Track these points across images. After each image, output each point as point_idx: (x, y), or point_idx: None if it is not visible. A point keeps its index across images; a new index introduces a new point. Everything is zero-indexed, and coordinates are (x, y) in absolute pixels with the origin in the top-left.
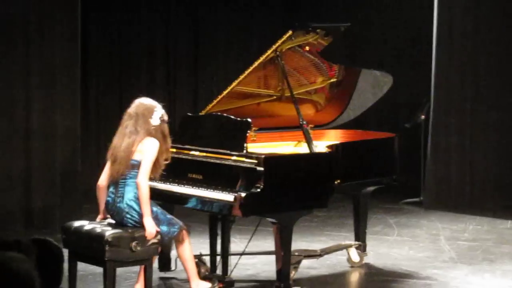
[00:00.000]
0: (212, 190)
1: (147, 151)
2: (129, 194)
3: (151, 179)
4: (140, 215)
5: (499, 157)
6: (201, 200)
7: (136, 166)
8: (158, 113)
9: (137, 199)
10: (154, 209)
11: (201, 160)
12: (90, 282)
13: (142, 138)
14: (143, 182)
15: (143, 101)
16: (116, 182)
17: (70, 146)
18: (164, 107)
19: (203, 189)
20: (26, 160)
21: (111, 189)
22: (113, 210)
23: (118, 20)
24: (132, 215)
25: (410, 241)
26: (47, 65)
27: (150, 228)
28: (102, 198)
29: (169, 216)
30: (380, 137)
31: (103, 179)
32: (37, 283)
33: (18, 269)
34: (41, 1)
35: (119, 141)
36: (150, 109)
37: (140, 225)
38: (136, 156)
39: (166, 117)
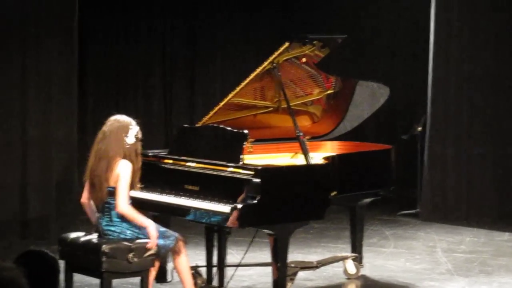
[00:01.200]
0: (208, 202)
1: (121, 177)
2: (115, 217)
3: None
4: (134, 230)
5: (496, 169)
6: (198, 211)
7: (114, 193)
8: (133, 131)
9: (125, 221)
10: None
11: (198, 172)
12: None
13: (115, 162)
14: (125, 208)
15: (118, 119)
16: (100, 208)
17: (66, 156)
18: (138, 123)
19: (199, 200)
20: (22, 170)
21: (98, 215)
22: (106, 234)
23: (115, 30)
24: (126, 235)
25: (406, 253)
26: (44, 74)
27: (153, 232)
28: (90, 211)
29: (162, 229)
30: (377, 149)
31: (85, 197)
32: None
33: (4, 278)
34: (37, 11)
35: (95, 163)
36: (126, 127)
37: (137, 238)
38: (111, 183)
39: (140, 135)
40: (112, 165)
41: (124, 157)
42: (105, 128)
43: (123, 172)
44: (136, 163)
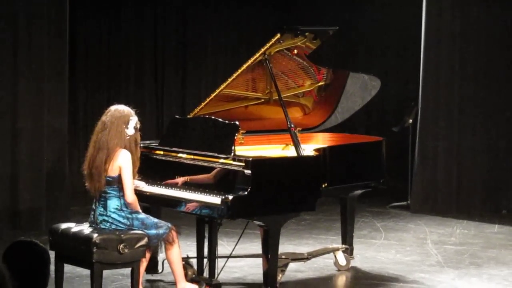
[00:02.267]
0: (199, 193)
1: (123, 168)
2: (111, 207)
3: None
4: (126, 222)
5: (486, 161)
6: (189, 202)
7: (113, 182)
8: (133, 122)
9: (119, 211)
10: (140, 216)
11: (189, 163)
12: (76, 284)
13: (115, 152)
14: (133, 198)
15: (118, 109)
16: (96, 197)
17: (57, 147)
18: (136, 113)
19: (190, 191)
20: (12, 161)
21: (93, 204)
22: (98, 223)
23: (106, 20)
24: (117, 225)
25: (397, 245)
26: (35, 65)
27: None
28: None
29: (155, 220)
30: (368, 141)
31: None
32: (8, 284)
33: None
34: (29, 1)
35: (94, 154)
36: (126, 118)
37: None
38: (111, 173)
39: (139, 125)
40: (112, 155)
41: (124, 147)
42: (105, 118)
43: (125, 163)
44: (136, 153)
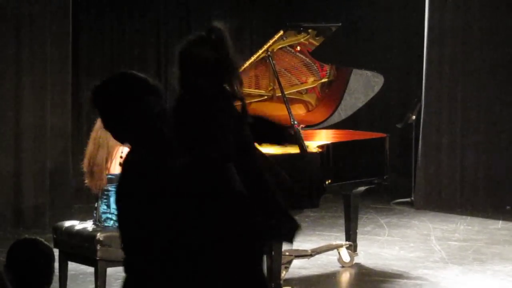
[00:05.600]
0: None
1: None
2: (113, 204)
3: None
4: None
5: (490, 157)
6: None
7: (114, 180)
8: None
9: None
10: None
11: None
12: (80, 282)
13: (115, 150)
14: None
15: None
16: (97, 196)
17: (60, 145)
18: None
19: None
20: (16, 159)
21: (95, 204)
22: (102, 221)
23: (109, 19)
24: None
25: (400, 241)
26: (38, 63)
27: None
28: None
29: None
30: (371, 137)
31: None
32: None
33: None
34: (32, 0)
35: (94, 152)
36: None
37: None
38: (112, 170)
39: None
40: (112, 153)
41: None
42: None
43: None
44: None
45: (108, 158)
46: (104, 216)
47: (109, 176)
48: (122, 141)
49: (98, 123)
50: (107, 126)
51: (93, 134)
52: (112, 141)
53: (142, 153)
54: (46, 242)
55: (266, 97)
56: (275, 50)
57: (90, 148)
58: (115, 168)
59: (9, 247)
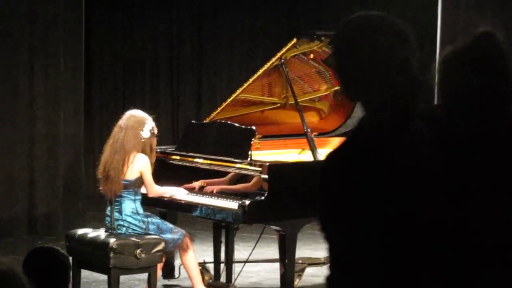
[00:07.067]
0: (216, 198)
1: (143, 171)
2: (126, 211)
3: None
4: (142, 226)
5: None
6: (206, 208)
7: (129, 185)
8: (148, 126)
9: (134, 215)
10: (155, 220)
11: (206, 168)
12: None
13: (132, 156)
14: (155, 191)
15: (134, 114)
16: (111, 201)
17: (73, 152)
18: (154, 119)
19: (207, 196)
20: (29, 166)
21: (108, 209)
22: (114, 228)
23: (122, 26)
24: (134, 229)
25: None
26: (51, 71)
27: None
28: None
29: (170, 225)
30: None
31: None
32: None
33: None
34: (45, 6)
35: (110, 157)
36: (141, 122)
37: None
38: (128, 176)
39: (155, 130)
40: (128, 158)
41: (141, 151)
42: (121, 122)
43: (144, 166)
44: (151, 157)
45: (124, 162)
46: (116, 223)
47: (125, 181)
48: (356, 99)
49: (115, 130)
50: (346, 77)
51: (109, 141)
52: (128, 145)
53: (386, 118)
54: (62, 251)
55: (279, 104)
56: (288, 58)
57: (106, 153)
58: (132, 174)
59: (25, 256)
